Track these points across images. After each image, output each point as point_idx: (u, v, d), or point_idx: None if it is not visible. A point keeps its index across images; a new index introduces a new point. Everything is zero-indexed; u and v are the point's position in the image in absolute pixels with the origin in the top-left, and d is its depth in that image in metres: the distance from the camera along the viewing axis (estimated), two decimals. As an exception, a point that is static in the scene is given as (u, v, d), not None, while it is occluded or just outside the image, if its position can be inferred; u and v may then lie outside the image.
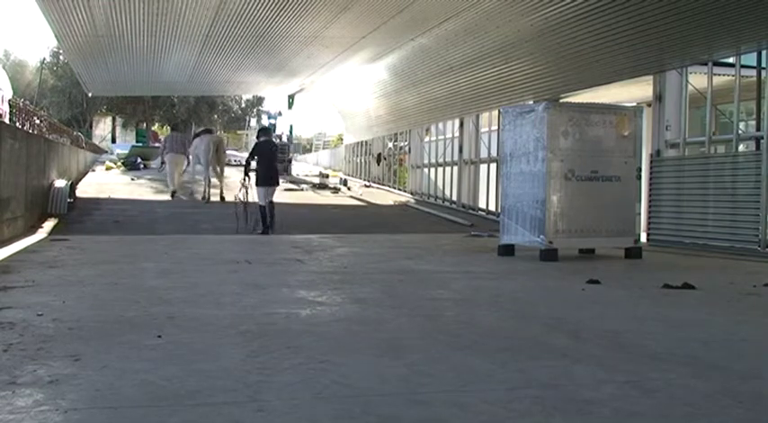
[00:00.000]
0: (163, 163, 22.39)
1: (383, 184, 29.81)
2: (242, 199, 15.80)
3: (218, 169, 21.09)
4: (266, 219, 15.24)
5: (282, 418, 3.55)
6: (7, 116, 15.51)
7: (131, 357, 4.64)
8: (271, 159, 15.75)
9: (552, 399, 3.88)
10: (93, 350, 4.79)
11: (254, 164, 15.63)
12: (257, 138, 16.56)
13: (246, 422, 3.48)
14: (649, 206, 14.11)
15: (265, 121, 46.17)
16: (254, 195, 15.58)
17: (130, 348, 4.88)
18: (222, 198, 20.31)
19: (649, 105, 15.06)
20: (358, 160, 34.72)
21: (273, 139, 16.84)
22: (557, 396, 3.94)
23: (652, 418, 3.63)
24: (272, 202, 15.39)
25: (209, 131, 23.23)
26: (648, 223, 14.10)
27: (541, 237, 11.13)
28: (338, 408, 3.69)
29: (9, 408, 3.57)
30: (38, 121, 18.09)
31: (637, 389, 4.10)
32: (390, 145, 30.04)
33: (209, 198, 20.68)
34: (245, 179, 15.92)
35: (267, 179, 15.35)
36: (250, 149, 16.49)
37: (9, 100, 15.20)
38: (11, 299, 6.72)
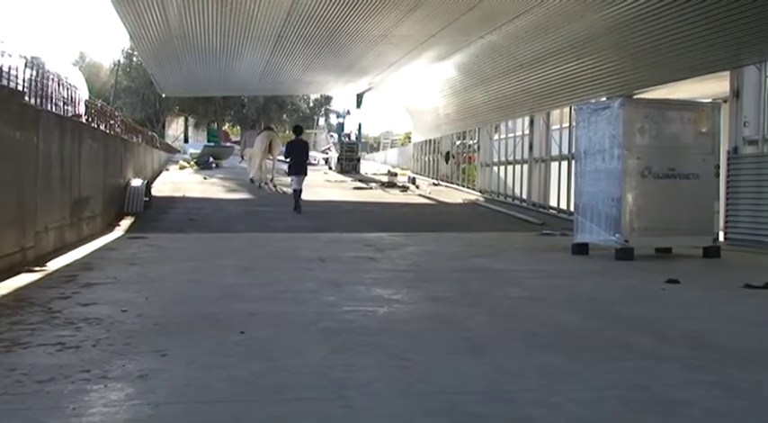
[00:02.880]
0: (242, 158, 27.49)
1: (451, 183, 29.71)
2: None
3: (269, 162, 24.73)
4: (297, 199, 18.58)
5: (369, 414, 3.58)
6: (84, 117, 15.88)
7: (217, 353, 4.73)
8: (300, 155, 19.01)
9: (640, 399, 3.84)
10: (178, 345, 4.89)
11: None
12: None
13: (335, 418, 3.52)
14: (727, 204, 13.75)
15: (334, 120, 46.55)
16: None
17: (215, 344, 4.98)
18: (273, 184, 24.04)
19: (725, 101, 14.69)
20: (426, 158, 34.65)
21: (303, 138, 20.49)
22: (644, 396, 3.89)
23: (744, 419, 3.56)
24: (300, 190, 18.62)
25: (269, 129, 27.44)
26: (726, 222, 13.75)
27: (617, 235, 10.95)
28: (424, 405, 3.70)
29: (103, 401, 3.69)
30: (112, 122, 18.47)
31: (725, 390, 4.03)
32: (459, 143, 29.93)
33: (260, 184, 24.44)
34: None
35: (295, 170, 18.90)
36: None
37: (85, 101, 15.54)
38: (95, 295, 6.91)
